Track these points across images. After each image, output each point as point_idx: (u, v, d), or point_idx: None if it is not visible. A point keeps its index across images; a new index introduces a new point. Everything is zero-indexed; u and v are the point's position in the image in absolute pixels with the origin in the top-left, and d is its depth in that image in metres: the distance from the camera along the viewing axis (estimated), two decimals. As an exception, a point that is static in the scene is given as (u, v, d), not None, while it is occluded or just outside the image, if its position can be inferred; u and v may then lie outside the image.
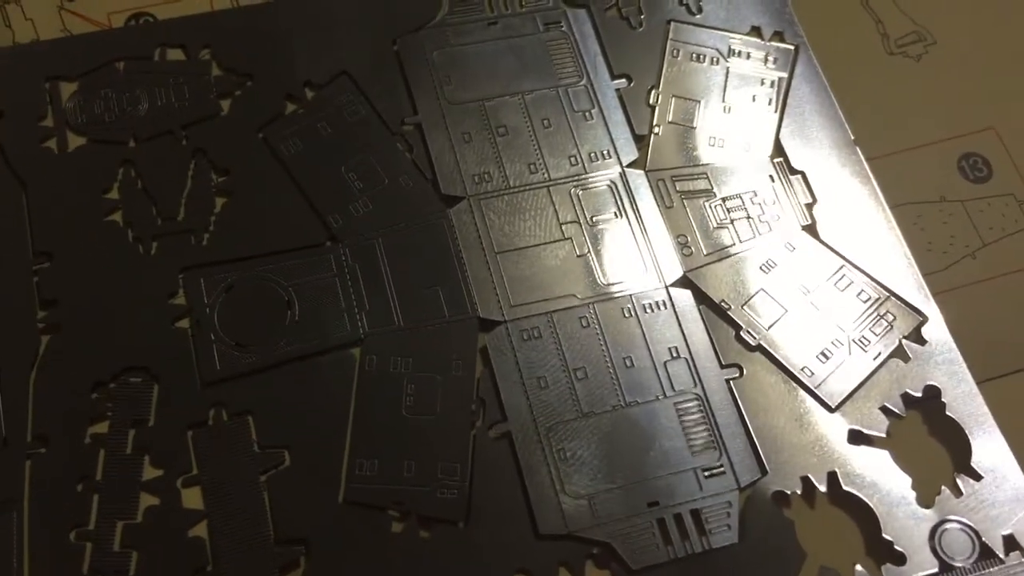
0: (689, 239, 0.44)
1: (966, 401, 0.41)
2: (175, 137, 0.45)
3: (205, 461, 0.39)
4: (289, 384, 0.40)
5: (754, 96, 0.48)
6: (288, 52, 0.47)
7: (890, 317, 0.43)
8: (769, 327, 0.42)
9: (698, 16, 0.50)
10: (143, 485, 0.38)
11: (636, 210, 0.45)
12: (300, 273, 0.42)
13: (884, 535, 0.39)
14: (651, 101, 0.47)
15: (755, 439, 0.40)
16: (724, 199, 0.45)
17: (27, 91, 0.45)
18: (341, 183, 0.44)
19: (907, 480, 0.40)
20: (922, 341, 0.42)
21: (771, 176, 0.46)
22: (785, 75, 0.48)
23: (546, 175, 0.45)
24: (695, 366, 0.41)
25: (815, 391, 0.41)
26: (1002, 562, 0.38)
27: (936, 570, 0.38)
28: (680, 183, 0.46)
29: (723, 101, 0.48)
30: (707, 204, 0.45)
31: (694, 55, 0.49)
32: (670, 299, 0.43)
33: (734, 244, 0.44)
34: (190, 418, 0.39)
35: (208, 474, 0.39)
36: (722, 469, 0.40)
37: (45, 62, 0.46)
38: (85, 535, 0.37)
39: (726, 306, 0.43)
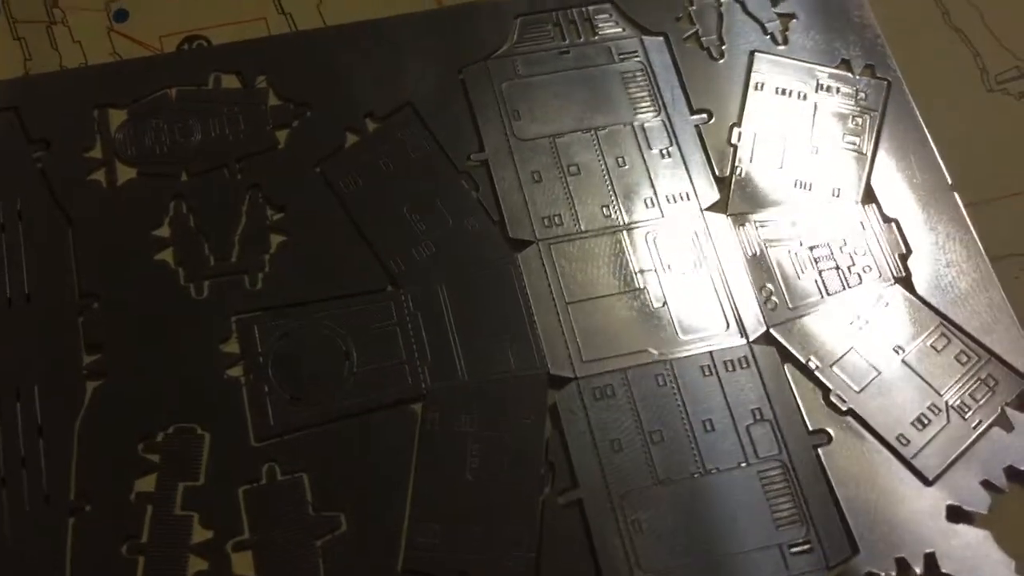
0: (773, 290, 0.43)
1: (1076, 477, 0.40)
2: (229, 171, 0.44)
3: (257, 523, 0.38)
4: (346, 441, 0.39)
5: (844, 135, 0.46)
6: (349, 80, 0.46)
7: (991, 381, 0.41)
8: (860, 390, 0.41)
9: (783, 47, 0.48)
10: (192, 548, 0.37)
11: (717, 258, 0.43)
12: (359, 321, 0.41)
13: (986, 623, 0.37)
14: (733, 140, 0.46)
15: (845, 513, 0.39)
16: (811, 248, 0.44)
17: (75, 119, 0.45)
18: (403, 224, 0.43)
19: (1011, 563, 0.38)
20: (1027, 409, 0.41)
21: (862, 223, 0.44)
22: (877, 112, 0.47)
23: (621, 218, 0.44)
24: (780, 430, 0.40)
25: (910, 462, 0.40)
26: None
27: (1040, 661, 0.37)
28: (764, 229, 0.44)
29: (810, 140, 0.46)
30: (792, 253, 0.44)
31: (779, 89, 0.47)
32: (753, 356, 0.41)
33: (822, 297, 0.43)
34: (242, 475, 0.39)
35: (260, 538, 0.37)
36: (809, 546, 0.38)
37: (94, 88, 0.46)
38: (131, 601, 0.36)
39: (814, 365, 0.41)
